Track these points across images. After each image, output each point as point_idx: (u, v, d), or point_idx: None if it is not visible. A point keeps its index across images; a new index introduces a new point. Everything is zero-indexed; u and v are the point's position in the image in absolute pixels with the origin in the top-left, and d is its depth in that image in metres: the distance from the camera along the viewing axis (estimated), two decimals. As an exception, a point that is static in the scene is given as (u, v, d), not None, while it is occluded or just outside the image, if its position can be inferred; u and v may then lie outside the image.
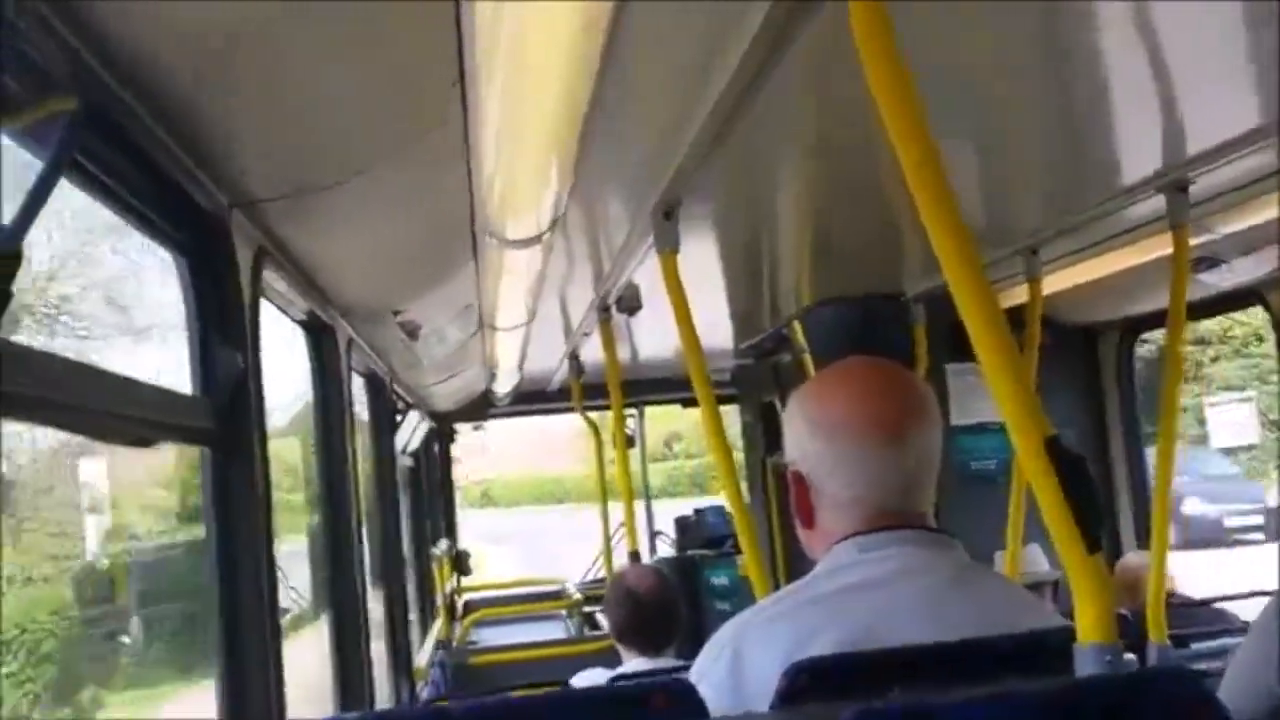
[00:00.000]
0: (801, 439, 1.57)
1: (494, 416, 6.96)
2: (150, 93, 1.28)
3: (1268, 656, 1.82)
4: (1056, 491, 1.19)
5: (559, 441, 32.03)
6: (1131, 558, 3.83)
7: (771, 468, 5.79)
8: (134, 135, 1.32)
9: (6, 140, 1.05)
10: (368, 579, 3.25)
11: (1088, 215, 2.82)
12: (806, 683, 1.33)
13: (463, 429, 7.38)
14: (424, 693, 4.63)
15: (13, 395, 1.01)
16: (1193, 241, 2.56)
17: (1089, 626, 1.19)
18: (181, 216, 1.61)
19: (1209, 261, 2.96)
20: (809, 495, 1.56)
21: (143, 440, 1.45)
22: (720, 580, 6.89)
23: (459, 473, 8.31)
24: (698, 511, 8.09)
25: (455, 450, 7.59)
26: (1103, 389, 4.28)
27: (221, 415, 1.71)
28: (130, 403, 1.35)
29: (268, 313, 2.07)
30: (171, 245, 1.68)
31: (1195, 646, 2.96)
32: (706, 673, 1.49)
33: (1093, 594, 1.19)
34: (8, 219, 0.97)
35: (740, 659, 1.47)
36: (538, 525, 26.86)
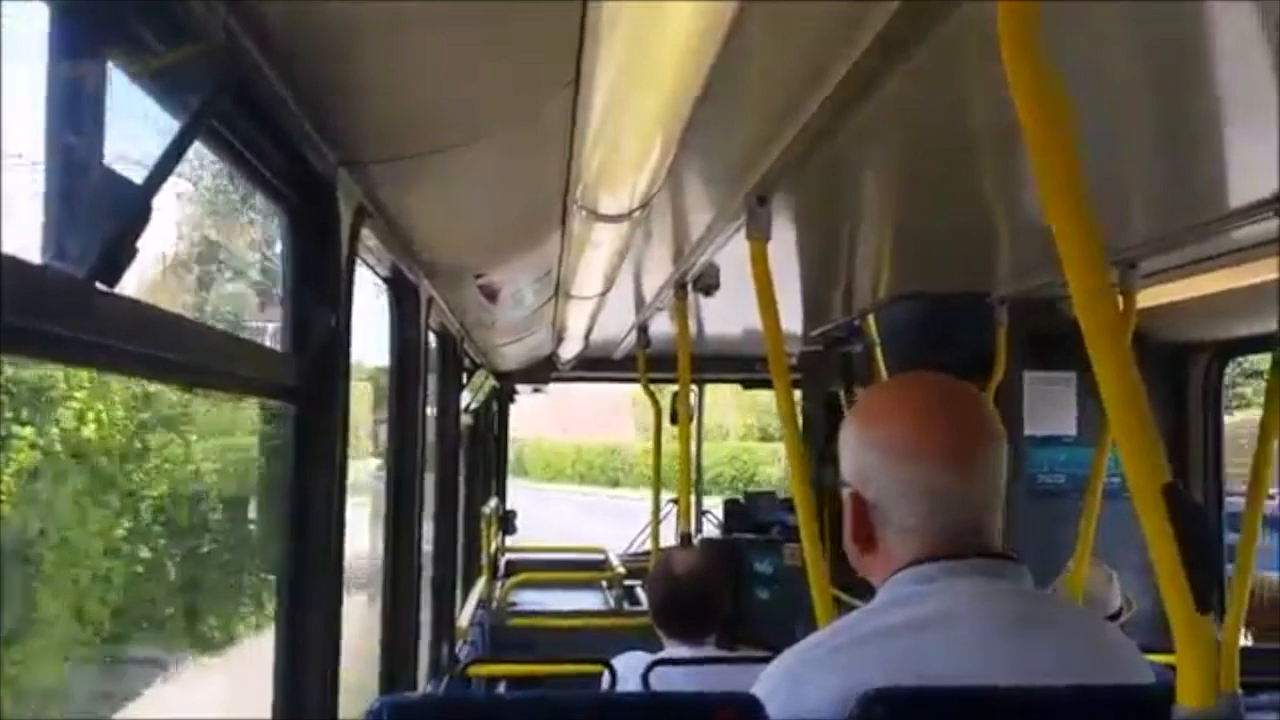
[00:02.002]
0: (862, 460, 1.49)
1: (556, 380, 6.97)
2: (276, 54, 1.27)
3: None
4: (1170, 542, 1.14)
5: (622, 402, 28.27)
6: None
7: (830, 459, 5.74)
8: (258, 94, 1.31)
9: (145, 99, 1.05)
10: (424, 536, 3.27)
11: (1195, 233, 2.73)
12: (881, 713, 1.30)
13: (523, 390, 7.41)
14: (463, 653, 4.65)
15: (109, 345, 1.01)
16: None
17: (1191, 690, 1.14)
18: (292, 174, 1.60)
19: (1315, 291, 2.85)
20: (869, 519, 1.48)
21: (233, 396, 1.45)
22: (764, 568, 6.85)
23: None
24: (747, 495, 8.07)
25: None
26: (1188, 413, 4.16)
27: (308, 373, 1.70)
28: (220, 356, 1.34)
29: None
30: (279, 201, 1.67)
31: (1265, 697, 2.86)
32: (765, 701, 1.42)
33: (1198, 655, 1.14)
34: (140, 179, 0.96)
35: (797, 693, 1.40)
36: (570, 519, 19.39)
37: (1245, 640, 3.67)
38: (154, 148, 1.01)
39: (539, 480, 31.07)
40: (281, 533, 1.75)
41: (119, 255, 0.92)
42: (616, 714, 1.28)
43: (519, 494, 9.82)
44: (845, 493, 1.52)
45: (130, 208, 0.93)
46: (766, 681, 1.46)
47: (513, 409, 7.71)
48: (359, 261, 2.35)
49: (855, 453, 1.51)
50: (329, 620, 1.79)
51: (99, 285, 0.93)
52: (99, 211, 0.91)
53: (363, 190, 1.87)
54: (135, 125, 1.07)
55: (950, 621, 1.40)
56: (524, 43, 1.51)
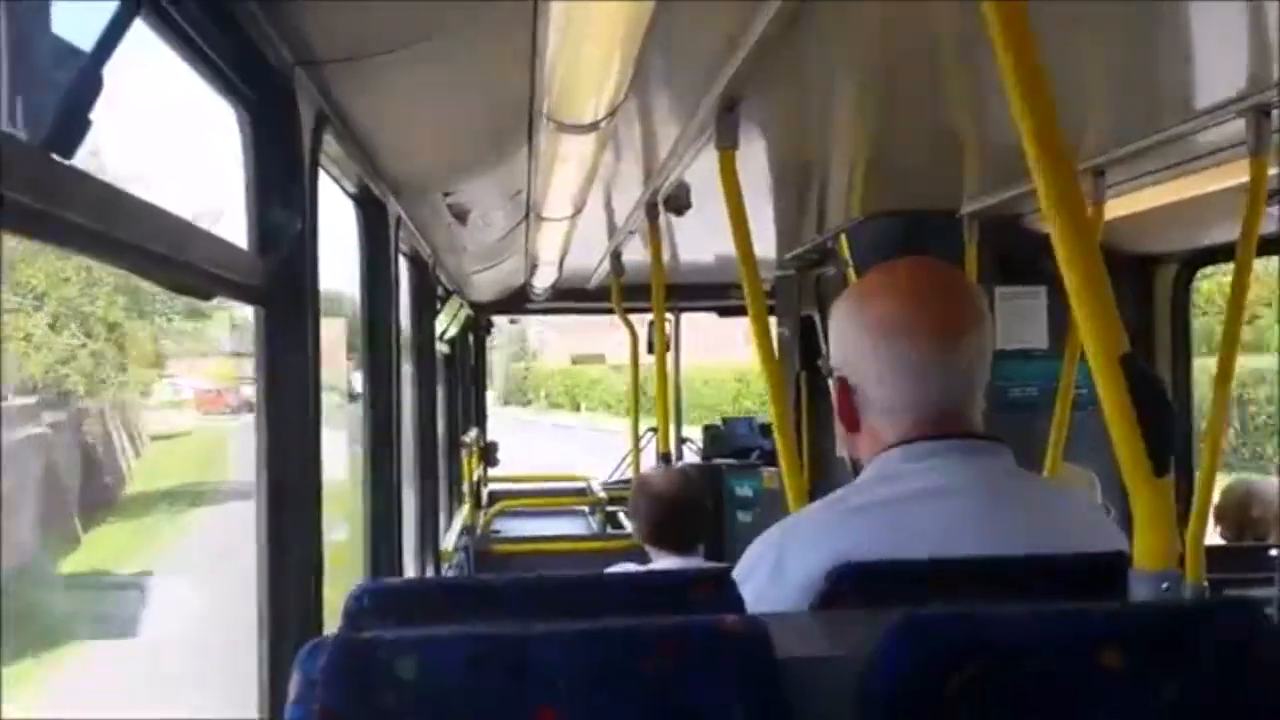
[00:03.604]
0: (847, 342, 1.53)
1: (531, 311, 6.97)
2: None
3: None
4: (1127, 410, 1.16)
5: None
6: (1260, 485, 3.82)
7: (805, 382, 5.78)
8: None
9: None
10: (404, 461, 3.29)
11: (1161, 138, 2.74)
12: (850, 587, 1.32)
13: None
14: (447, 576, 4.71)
15: (78, 225, 1.01)
16: (1271, 172, 2.48)
17: (1147, 551, 1.17)
18: (248, 71, 1.59)
19: (1283, 195, 2.87)
20: (854, 401, 1.52)
21: (196, 291, 1.45)
22: (744, 491, 6.92)
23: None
24: (726, 421, 8.11)
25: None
26: (1154, 323, 4.20)
27: (275, 275, 1.71)
28: (188, 250, 1.34)
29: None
30: (237, 100, 1.66)
31: (1231, 594, 2.92)
32: (748, 576, 1.47)
33: (1155, 518, 1.16)
34: (88, 48, 0.96)
35: (783, 564, 1.45)
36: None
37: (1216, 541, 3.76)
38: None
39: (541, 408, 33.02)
40: (258, 436, 1.76)
41: (72, 125, 0.92)
42: (599, 589, 1.30)
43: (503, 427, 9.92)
44: (834, 378, 1.55)
45: (81, 76, 0.93)
46: (753, 553, 1.51)
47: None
48: (327, 174, 2.35)
49: (842, 336, 1.54)
50: (310, 524, 1.80)
51: (55, 157, 0.93)
52: (49, 79, 0.90)
53: (322, 93, 1.86)
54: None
55: (933, 497, 1.43)
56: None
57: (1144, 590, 1.15)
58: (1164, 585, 1.14)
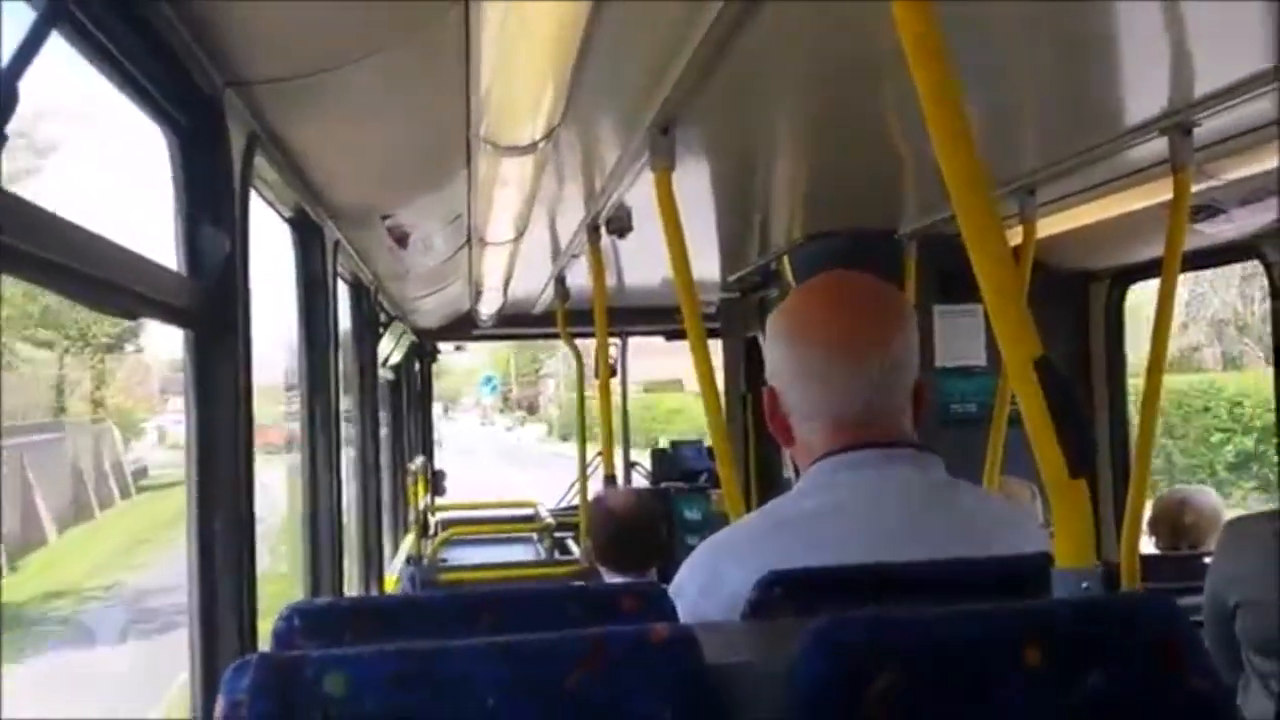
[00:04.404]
0: (771, 352, 1.56)
1: (477, 338, 6.95)
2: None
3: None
4: (1043, 411, 1.18)
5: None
6: (1194, 494, 3.88)
7: (751, 404, 5.81)
8: (136, 3, 1.29)
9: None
10: (344, 488, 3.26)
11: (1088, 156, 2.80)
12: (779, 595, 1.33)
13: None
14: None
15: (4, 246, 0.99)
16: (1193, 189, 2.54)
17: (1067, 551, 1.18)
18: (176, 92, 1.58)
19: (1208, 210, 2.94)
20: (780, 410, 1.55)
21: (126, 313, 1.43)
22: (692, 514, 6.93)
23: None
24: (674, 444, 8.13)
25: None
26: (1089, 338, 4.27)
27: (206, 298, 1.69)
28: (118, 271, 1.33)
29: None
30: (165, 122, 1.64)
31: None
32: (682, 590, 1.49)
33: (1072, 518, 1.18)
34: (4, 62, 0.95)
35: (716, 577, 1.46)
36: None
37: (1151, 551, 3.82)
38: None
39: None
40: (187, 461, 1.74)
41: (-16, 141, 0.91)
42: (529, 602, 1.30)
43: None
44: (765, 389, 1.58)
45: (-7, 91, 0.92)
46: (687, 568, 1.52)
47: None
48: (261, 198, 2.34)
49: (768, 346, 1.58)
50: (243, 547, 1.78)
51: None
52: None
53: (253, 114, 1.85)
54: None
55: (856, 509, 1.45)
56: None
57: (1066, 589, 1.16)
58: (1084, 584, 1.16)
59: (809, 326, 1.51)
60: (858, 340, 1.48)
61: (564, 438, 32.50)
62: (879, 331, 1.49)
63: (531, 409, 47.01)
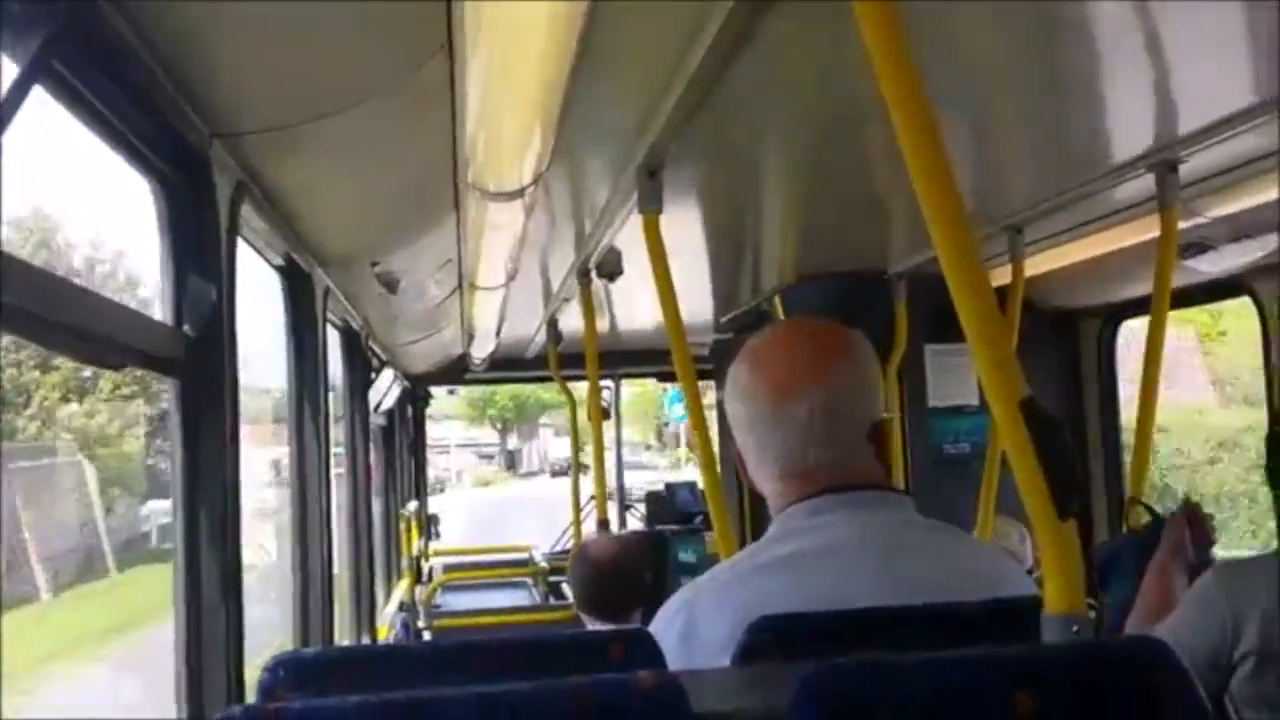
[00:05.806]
0: (728, 409, 1.56)
1: (470, 382, 6.93)
2: (138, 15, 1.25)
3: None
4: (1031, 455, 1.17)
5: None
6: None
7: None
8: (120, 57, 1.30)
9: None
10: (335, 534, 3.23)
11: (1075, 194, 2.81)
12: (769, 640, 1.32)
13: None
14: None
15: None
16: (1181, 226, 2.55)
17: (1056, 595, 1.17)
18: (162, 144, 1.58)
19: (1197, 247, 2.95)
20: (746, 463, 1.55)
21: (114, 365, 1.42)
22: (687, 556, 6.88)
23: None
24: (669, 487, 8.09)
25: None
26: (1081, 377, 4.27)
27: (192, 347, 1.69)
28: (104, 323, 1.33)
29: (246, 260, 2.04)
30: (150, 173, 1.65)
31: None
32: (660, 636, 1.46)
33: (1062, 562, 1.17)
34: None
35: (694, 624, 1.45)
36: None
37: None
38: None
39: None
40: (175, 511, 1.72)
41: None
42: (517, 650, 1.28)
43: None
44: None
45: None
46: (665, 613, 1.51)
47: None
48: (250, 246, 2.34)
49: (725, 403, 1.57)
50: (230, 596, 1.76)
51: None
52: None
53: (240, 164, 1.85)
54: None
55: (837, 550, 1.44)
56: (393, 4, 1.51)
57: (1055, 633, 1.15)
58: (1074, 628, 1.14)
59: (750, 376, 1.51)
60: (791, 383, 1.47)
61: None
62: (812, 372, 1.47)
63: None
